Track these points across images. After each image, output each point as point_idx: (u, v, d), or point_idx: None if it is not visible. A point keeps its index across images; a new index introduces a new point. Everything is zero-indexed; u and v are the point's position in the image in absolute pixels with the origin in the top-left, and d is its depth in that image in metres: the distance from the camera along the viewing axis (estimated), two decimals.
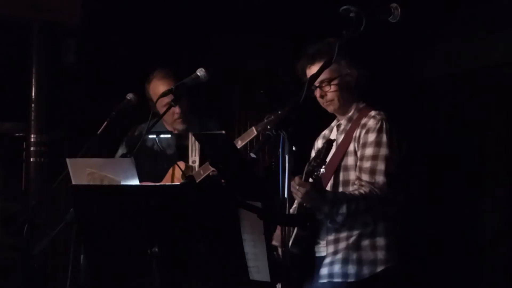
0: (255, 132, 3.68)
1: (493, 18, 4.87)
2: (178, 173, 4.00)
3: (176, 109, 4.03)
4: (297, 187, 3.17)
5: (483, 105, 5.03)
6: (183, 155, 4.09)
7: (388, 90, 5.00)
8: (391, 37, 4.49)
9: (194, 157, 4.06)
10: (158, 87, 4.09)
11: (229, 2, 5.28)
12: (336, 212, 3.26)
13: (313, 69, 3.45)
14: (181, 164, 3.97)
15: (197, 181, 3.77)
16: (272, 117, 3.61)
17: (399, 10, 2.94)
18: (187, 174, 3.91)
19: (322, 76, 3.35)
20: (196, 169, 3.99)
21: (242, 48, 5.51)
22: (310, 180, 3.27)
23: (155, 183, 3.98)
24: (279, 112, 3.59)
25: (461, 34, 5.10)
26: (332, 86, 3.43)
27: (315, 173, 3.28)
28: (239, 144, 3.69)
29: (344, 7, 2.91)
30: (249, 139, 3.71)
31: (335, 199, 3.25)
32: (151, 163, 4.10)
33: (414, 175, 5.01)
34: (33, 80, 5.02)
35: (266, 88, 5.27)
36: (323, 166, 3.32)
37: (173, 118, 4.10)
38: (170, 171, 4.04)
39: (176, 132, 4.18)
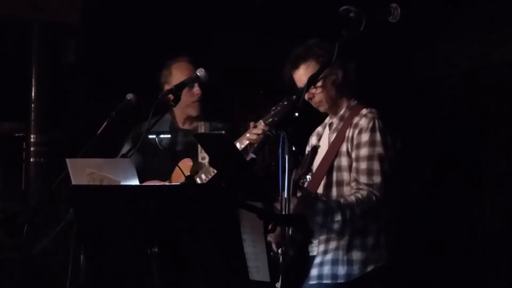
0: (263, 125, 3.64)
1: (493, 18, 4.88)
2: (185, 171, 3.98)
3: (197, 90, 4.09)
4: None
5: (483, 105, 5.04)
6: (192, 152, 4.08)
7: (388, 90, 5.01)
8: (391, 37, 4.49)
9: (203, 153, 4.04)
10: (183, 69, 4.11)
11: (229, 2, 5.28)
12: (332, 220, 3.21)
13: (297, 73, 3.45)
14: (188, 161, 3.96)
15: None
16: (279, 108, 3.57)
17: (399, 10, 2.94)
18: (195, 171, 3.89)
19: (306, 79, 3.36)
20: (206, 165, 3.98)
21: (242, 48, 5.51)
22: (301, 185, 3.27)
23: (163, 181, 3.97)
24: (286, 103, 3.54)
25: (461, 34, 5.10)
26: (318, 88, 3.41)
27: (302, 181, 3.27)
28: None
29: (344, 7, 2.90)
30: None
31: (326, 208, 3.21)
32: (159, 161, 4.10)
33: (414, 175, 5.02)
34: (33, 80, 5.01)
35: (266, 88, 5.27)
36: (309, 174, 3.32)
37: (191, 100, 4.11)
38: (177, 169, 4.03)
39: (182, 125, 4.18)
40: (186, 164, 3.97)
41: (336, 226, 3.23)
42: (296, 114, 3.30)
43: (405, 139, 3.44)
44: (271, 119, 3.60)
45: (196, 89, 4.10)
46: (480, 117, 5.07)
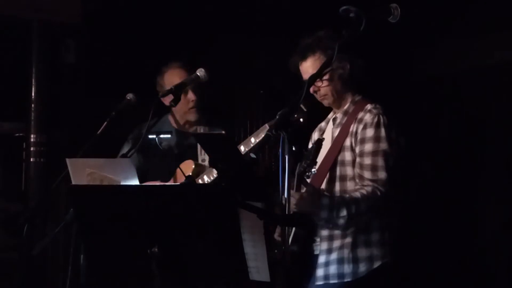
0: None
1: (493, 18, 4.88)
2: (188, 173, 3.97)
3: (192, 97, 4.03)
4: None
5: (483, 105, 5.04)
6: (192, 154, 4.07)
7: (388, 89, 5.00)
8: (392, 36, 4.49)
9: (203, 156, 4.02)
10: (174, 76, 4.04)
11: (229, 2, 5.28)
12: (337, 216, 3.22)
13: (304, 65, 3.44)
14: (190, 163, 3.94)
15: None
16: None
17: (399, 10, 2.94)
18: (197, 173, 3.87)
19: (314, 71, 3.36)
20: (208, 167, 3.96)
21: (242, 48, 5.51)
22: (306, 180, 3.26)
23: (164, 182, 3.96)
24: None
25: (461, 33, 5.10)
26: (324, 81, 3.41)
27: (307, 174, 3.27)
28: None
29: (344, 7, 2.90)
30: None
31: (331, 204, 3.22)
32: (159, 162, 4.09)
33: (414, 174, 5.02)
34: (33, 80, 5.01)
35: (266, 88, 5.27)
36: (314, 167, 3.31)
37: (187, 107, 4.07)
38: (179, 170, 4.01)
39: (182, 129, 4.16)
40: (188, 166, 3.96)
41: (341, 221, 3.24)
42: (301, 120, 3.28)
43: (406, 138, 3.44)
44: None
45: (190, 95, 4.02)
46: (480, 117, 5.07)
